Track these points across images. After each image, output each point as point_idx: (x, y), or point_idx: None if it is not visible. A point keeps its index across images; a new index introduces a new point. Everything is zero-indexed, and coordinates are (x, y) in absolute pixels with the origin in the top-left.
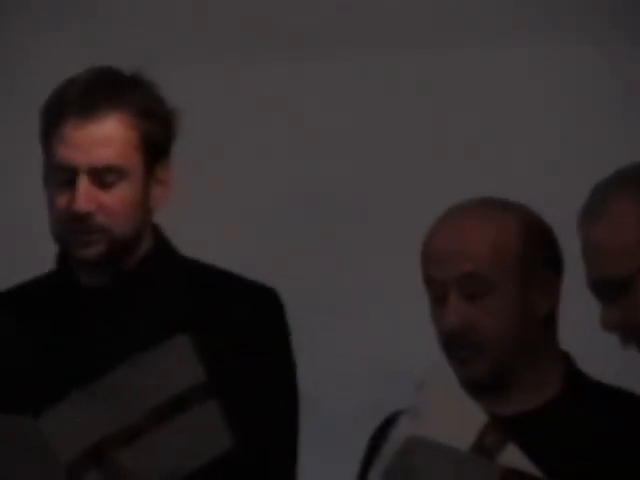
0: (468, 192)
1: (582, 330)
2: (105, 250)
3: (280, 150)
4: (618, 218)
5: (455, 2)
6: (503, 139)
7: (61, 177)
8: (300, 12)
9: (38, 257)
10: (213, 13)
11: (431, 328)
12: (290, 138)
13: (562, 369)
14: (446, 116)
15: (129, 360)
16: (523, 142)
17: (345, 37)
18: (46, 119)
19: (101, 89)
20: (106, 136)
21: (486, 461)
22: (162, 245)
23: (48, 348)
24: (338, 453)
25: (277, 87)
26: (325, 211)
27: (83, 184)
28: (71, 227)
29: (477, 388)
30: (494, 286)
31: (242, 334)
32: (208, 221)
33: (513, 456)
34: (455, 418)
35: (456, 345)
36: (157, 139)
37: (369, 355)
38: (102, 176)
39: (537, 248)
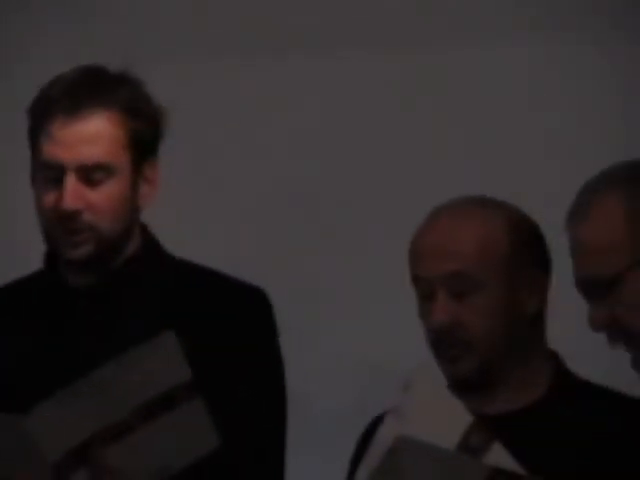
0: (467, 192)
1: (571, 329)
2: (93, 250)
3: (280, 150)
4: (605, 218)
5: (455, 2)
6: (503, 139)
7: (49, 175)
8: (300, 12)
9: (20, 258)
10: (213, 13)
11: (419, 327)
12: (290, 138)
13: (550, 368)
14: (446, 116)
15: (116, 358)
16: (523, 142)
17: (345, 37)
18: (33, 117)
19: (88, 87)
20: (93, 134)
21: (473, 460)
22: (150, 244)
23: (35, 348)
24: (325, 452)
25: (277, 87)
26: (309, 211)
27: (71, 182)
28: (59, 226)
29: (465, 386)
30: (482, 284)
31: (229, 334)
32: (195, 221)
33: (499, 456)
34: (440, 418)
35: (444, 343)
36: (144, 137)
37: (356, 354)
38: (90, 174)
39: (525, 247)
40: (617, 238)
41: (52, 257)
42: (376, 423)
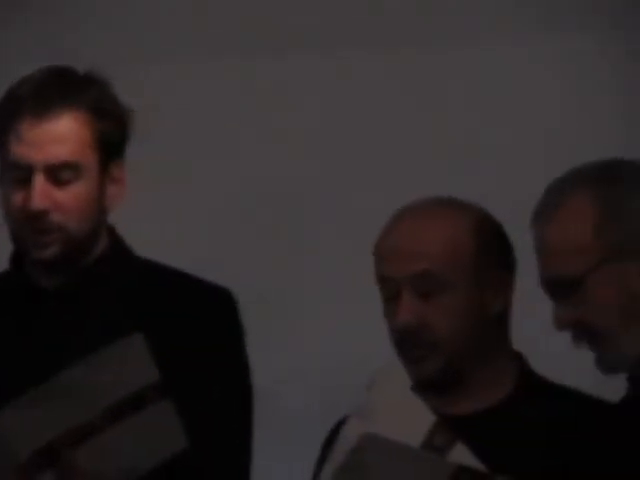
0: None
1: (535, 329)
2: (60, 251)
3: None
4: (571, 219)
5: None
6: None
7: (17, 175)
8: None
9: None
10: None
11: (385, 328)
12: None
13: (514, 368)
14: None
15: (84, 359)
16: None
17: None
18: (1, 118)
19: (56, 87)
20: (61, 134)
21: (438, 458)
22: (117, 245)
23: (3, 349)
24: (293, 452)
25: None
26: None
27: (39, 182)
28: (27, 226)
29: (430, 386)
30: (447, 285)
31: (195, 334)
32: (162, 221)
33: (461, 456)
34: (404, 418)
35: (409, 343)
36: (111, 138)
37: (324, 354)
38: (58, 173)
39: (490, 246)
40: (583, 239)
41: (19, 257)
42: (340, 425)
